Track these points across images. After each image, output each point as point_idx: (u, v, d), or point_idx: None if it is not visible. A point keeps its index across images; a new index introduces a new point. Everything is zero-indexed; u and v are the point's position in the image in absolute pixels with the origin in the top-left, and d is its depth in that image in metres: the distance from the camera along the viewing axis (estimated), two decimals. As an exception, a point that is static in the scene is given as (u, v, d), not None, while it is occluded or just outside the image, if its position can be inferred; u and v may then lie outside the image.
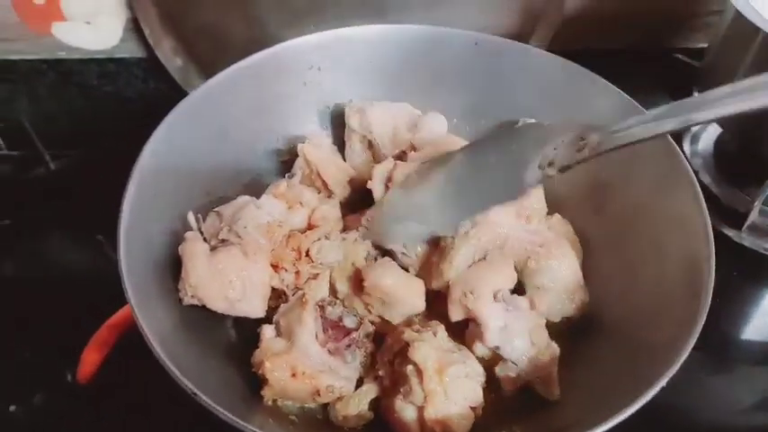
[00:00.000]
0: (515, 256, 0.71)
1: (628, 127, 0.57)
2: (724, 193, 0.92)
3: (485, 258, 0.71)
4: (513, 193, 0.68)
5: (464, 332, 0.69)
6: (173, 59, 1.04)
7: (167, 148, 0.70)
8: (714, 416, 0.76)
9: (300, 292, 0.69)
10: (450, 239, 0.71)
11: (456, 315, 0.68)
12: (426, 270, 0.73)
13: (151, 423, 0.72)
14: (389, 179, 0.74)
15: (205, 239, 0.70)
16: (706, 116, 0.52)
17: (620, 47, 1.14)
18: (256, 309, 0.68)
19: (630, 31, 1.13)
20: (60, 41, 0.99)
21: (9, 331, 0.79)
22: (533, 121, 0.79)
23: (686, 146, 0.98)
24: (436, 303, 0.71)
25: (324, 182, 0.79)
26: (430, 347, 0.62)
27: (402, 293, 0.69)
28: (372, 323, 0.70)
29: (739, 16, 0.81)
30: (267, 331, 0.67)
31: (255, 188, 0.78)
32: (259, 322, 0.68)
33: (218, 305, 0.67)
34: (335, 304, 0.69)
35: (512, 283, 0.69)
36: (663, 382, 0.55)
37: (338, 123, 0.85)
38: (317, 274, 0.71)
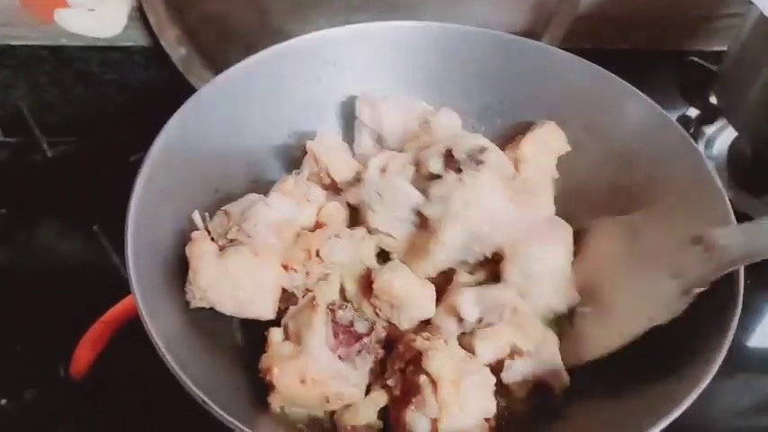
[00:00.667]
0: (504, 238, 0.69)
1: None
2: (737, 199, 0.90)
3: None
4: None
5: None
6: (177, 49, 1.02)
7: (178, 144, 0.68)
8: (719, 424, 0.76)
9: (310, 295, 0.67)
10: (436, 220, 0.69)
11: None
12: (413, 254, 0.71)
13: (146, 418, 0.71)
14: (384, 170, 0.73)
15: (212, 239, 0.68)
16: None
17: (631, 47, 1.12)
18: (267, 310, 0.66)
19: (643, 31, 1.11)
20: (62, 28, 0.97)
21: (0, 323, 0.78)
22: (551, 122, 0.78)
23: (700, 150, 0.96)
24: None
25: (332, 179, 0.77)
26: (445, 357, 0.61)
27: (412, 298, 0.68)
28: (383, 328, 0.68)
29: (763, 20, 0.80)
30: (275, 335, 0.65)
31: (264, 185, 0.76)
32: (266, 325, 0.66)
33: (227, 307, 0.65)
34: (346, 308, 0.67)
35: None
36: (689, 401, 0.54)
37: (350, 120, 0.83)
38: (328, 274, 0.69)
